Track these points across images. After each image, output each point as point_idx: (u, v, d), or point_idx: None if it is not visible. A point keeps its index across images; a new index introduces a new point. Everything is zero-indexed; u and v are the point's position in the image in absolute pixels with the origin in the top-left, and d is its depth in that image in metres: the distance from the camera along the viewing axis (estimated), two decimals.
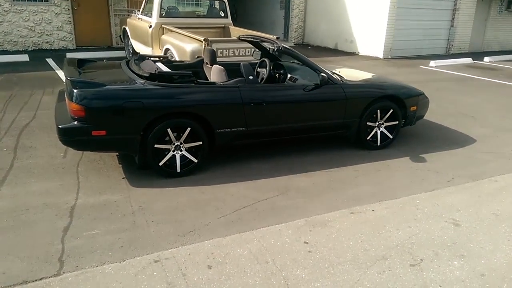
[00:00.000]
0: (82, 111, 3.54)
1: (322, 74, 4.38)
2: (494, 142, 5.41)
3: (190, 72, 4.12)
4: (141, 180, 3.89)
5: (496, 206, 3.70)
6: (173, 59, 6.60)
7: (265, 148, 4.76)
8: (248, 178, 4.04)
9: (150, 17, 8.26)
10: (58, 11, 11.02)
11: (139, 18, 8.90)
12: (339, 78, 4.69)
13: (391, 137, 4.97)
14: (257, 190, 3.82)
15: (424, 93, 5.25)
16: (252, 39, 5.15)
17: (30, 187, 3.67)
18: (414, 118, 5.14)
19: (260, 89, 4.25)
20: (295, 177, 4.14)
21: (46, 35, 11.08)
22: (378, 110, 4.76)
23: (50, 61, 9.52)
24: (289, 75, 5.06)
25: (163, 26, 7.99)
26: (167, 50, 7.42)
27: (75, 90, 3.55)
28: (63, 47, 11.34)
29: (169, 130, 3.83)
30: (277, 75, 5.20)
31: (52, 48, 11.21)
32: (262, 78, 4.98)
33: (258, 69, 5.18)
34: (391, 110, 4.82)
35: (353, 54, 12.97)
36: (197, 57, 5.87)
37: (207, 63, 4.78)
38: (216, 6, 9.07)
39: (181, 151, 3.96)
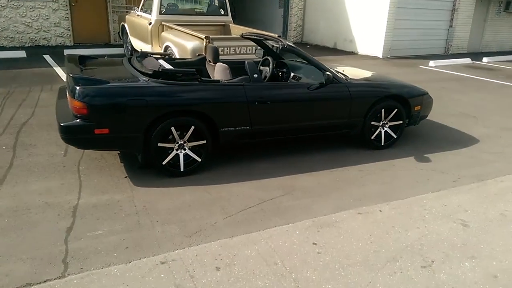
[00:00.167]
0: (84, 109, 3.45)
1: (327, 72, 4.32)
2: (497, 142, 5.39)
3: (194, 69, 4.06)
4: (144, 179, 3.82)
5: (504, 206, 3.67)
6: (173, 57, 6.52)
7: (268, 147, 4.71)
8: (252, 178, 3.99)
9: (150, 14, 8.16)
10: (55, 7, 10.88)
11: (138, 15, 8.80)
12: (344, 77, 4.65)
13: (395, 136, 4.93)
14: (262, 189, 3.77)
15: (428, 93, 5.21)
16: (255, 37, 5.09)
17: (31, 186, 3.59)
18: (418, 118, 5.11)
19: (265, 88, 4.19)
20: (299, 176, 4.09)
21: (44, 31, 10.95)
22: (383, 110, 4.72)
23: (47, 57, 9.40)
24: (292, 74, 5.01)
25: (163, 23, 7.91)
26: (167, 47, 7.33)
27: (77, 87, 3.46)
28: (60, 43, 11.21)
29: (173, 128, 3.76)
30: (280, 73, 5.15)
31: (50, 45, 11.08)
32: (265, 77, 4.92)
33: (261, 68, 5.12)
34: (396, 110, 4.78)
35: (352, 53, 12.94)
36: (198, 54, 5.80)
37: (209, 61, 4.71)
38: (216, 4, 8.99)
39: (184, 150, 3.90)
